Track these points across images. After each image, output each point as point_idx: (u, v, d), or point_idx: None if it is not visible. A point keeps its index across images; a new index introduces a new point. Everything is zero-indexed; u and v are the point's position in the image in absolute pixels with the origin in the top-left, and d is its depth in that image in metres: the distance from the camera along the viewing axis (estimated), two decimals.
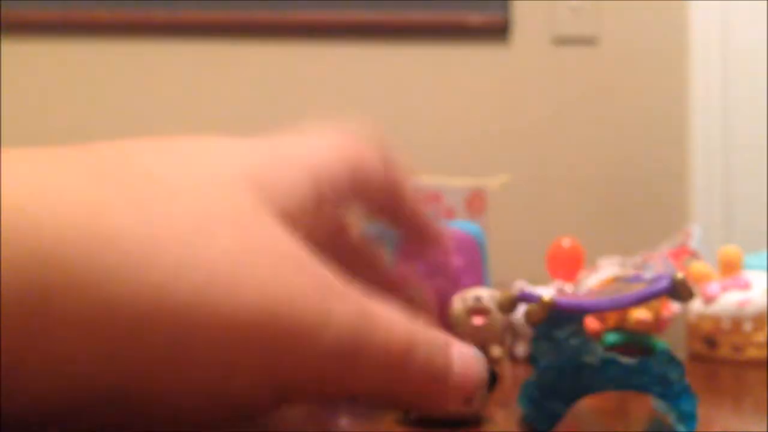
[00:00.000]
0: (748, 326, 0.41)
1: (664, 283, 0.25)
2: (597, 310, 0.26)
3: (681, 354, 0.43)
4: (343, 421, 0.30)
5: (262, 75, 1.47)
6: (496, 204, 0.72)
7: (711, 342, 0.42)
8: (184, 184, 0.18)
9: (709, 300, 0.42)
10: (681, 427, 0.24)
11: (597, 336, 0.42)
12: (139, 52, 1.47)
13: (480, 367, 0.22)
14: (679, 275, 0.26)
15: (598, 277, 0.51)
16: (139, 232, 0.16)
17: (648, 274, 0.39)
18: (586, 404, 0.32)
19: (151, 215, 0.17)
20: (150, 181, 0.18)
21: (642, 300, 0.26)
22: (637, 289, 0.26)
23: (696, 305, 0.43)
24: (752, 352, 0.41)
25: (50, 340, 0.15)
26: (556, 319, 0.24)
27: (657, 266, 0.64)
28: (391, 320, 0.20)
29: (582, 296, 0.27)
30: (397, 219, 0.29)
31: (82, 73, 1.46)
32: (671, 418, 0.24)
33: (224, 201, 0.18)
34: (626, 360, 0.24)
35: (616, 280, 0.31)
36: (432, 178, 0.67)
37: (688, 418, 0.24)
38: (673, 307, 0.43)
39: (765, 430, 0.28)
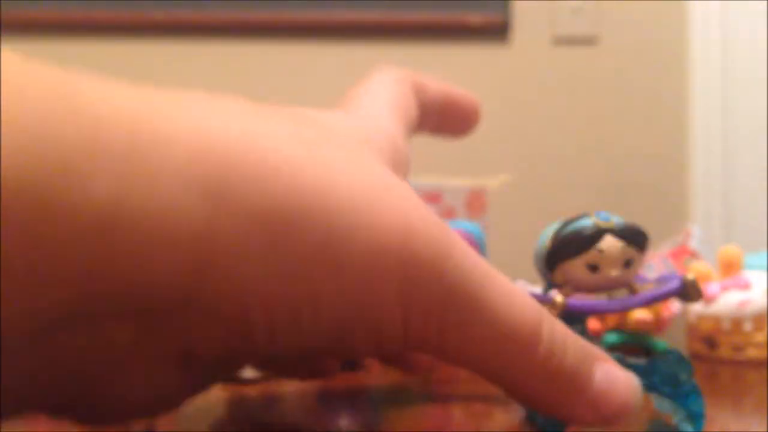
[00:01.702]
0: (748, 326, 0.41)
1: (674, 284, 0.25)
2: (608, 311, 0.26)
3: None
4: (345, 420, 0.30)
5: (262, 75, 1.47)
6: (496, 204, 0.72)
7: (711, 342, 0.42)
8: (332, 131, 0.21)
9: (709, 300, 0.42)
10: (689, 427, 0.23)
11: (597, 336, 0.42)
12: (139, 52, 1.47)
13: (629, 394, 0.21)
14: (690, 276, 0.26)
15: None
16: (309, 156, 0.18)
17: (650, 274, 0.39)
18: None
19: (322, 151, 0.19)
20: (322, 128, 0.21)
21: (653, 301, 0.26)
22: (646, 289, 0.26)
23: (696, 305, 0.43)
24: (752, 352, 0.41)
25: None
26: (565, 320, 0.24)
27: (657, 266, 0.64)
28: (517, 292, 0.20)
29: (589, 298, 0.27)
30: (446, 113, 0.31)
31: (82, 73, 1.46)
32: (677, 418, 0.24)
33: (357, 147, 0.21)
34: (634, 360, 0.24)
35: None
36: (432, 178, 0.67)
37: (697, 418, 0.24)
38: (674, 307, 0.43)
39: (765, 430, 0.28)
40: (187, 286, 0.17)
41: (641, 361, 0.24)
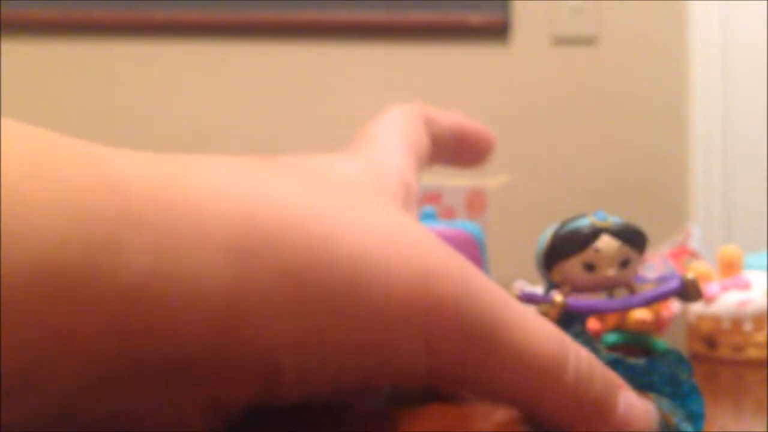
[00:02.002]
0: (748, 326, 0.41)
1: (674, 284, 0.25)
2: (608, 311, 0.26)
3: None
4: (344, 421, 0.30)
5: (262, 75, 1.47)
6: (496, 204, 0.72)
7: (711, 342, 0.42)
8: (342, 181, 0.21)
9: (709, 300, 0.42)
10: (688, 427, 0.23)
11: (597, 336, 0.42)
12: (139, 52, 1.47)
13: (649, 422, 0.21)
14: (690, 275, 0.26)
15: None
16: (317, 206, 0.19)
17: (650, 274, 0.39)
18: None
19: (337, 203, 0.20)
20: (333, 180, 0.21)
21: (653, 300, 0.26)
22: (646, 289, 0.26)
23: (696, 305, 0.43)
24: (752, 352, 0.40)
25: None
26: (564, 320, 0.24)
27: (657, 266, 0.64)
28: (539, 321, 0.21)
29: (589, 297, 0.27)
30: (459, 146, 0.31)
31: (82, 73, 1.46)
32: (677, 418, 0.24)
33: (370, 194, 0.22)
34: (633, 360, 0.24)
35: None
36: (432, 178, 0.67)
37: (697, 418, 0.24)
38: (674, 306, 0.43)
39: (765, 430, 0.28)
40: (218, 342, 0.17)
41: (641, 360, 0.24)
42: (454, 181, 0.66)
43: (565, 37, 1.51)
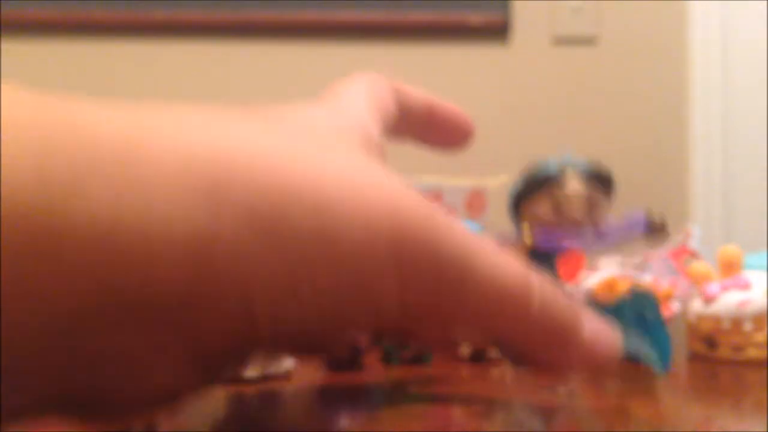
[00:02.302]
0: (748, 326, 0.41)
1: (639, 219, 0.26)
2: (574, 248, 0.26)
3: (681, 354, 0.43)
4: (344, 421, 0.30)
5: (262, 75, 1.47)
6: (496, 204, 0.72)
7: (711, 342, 0.42)
8: (309, 126, 0.22)
9: (709, 300, 0.42)
10: (657, 364, 0.23)
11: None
12: (139, 52, 1.47)
13: (613, 343, 0.23)
14: (652, 212, 0.26)
15: (599, 277, 0.51)
16: (286, 148, 0.20)
17: (650, 274, 0.39)
18: (586, 404, 0.32)
19: (305, 146, 0.20)
20: (301, 125, 0.22)
21: (620, 239, 0.26)
22: (615, 228, 0.26)
23: (696, 305, 0.43)
24: (752, 352, 0.41)
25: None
26: (534, 260, 0.24)
27: (657, 266, 0.64)
28: (505, 254, 0.21)
29: (560, 236, 0.27)
30: (431, 124, 0.32)
31: (82, 73, 1.46)
32: (646, 358, 0.24)
33: (336, 138, 0.22)
34: (603, 302, 0.24)
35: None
36: (432, 178, 0.67)
37: (665, 355, 0.24)
38: (674, 306, 0.43)
39: (765, 430, 0.28)
40: (190, 286, 0.17)
41: (609, 303, 0.24)
42: (454, 181, 0.66)
43: (565, 37, 1.51)
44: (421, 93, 0.31)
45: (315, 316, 0.19)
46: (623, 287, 0.42)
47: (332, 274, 0.19)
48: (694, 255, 0.60)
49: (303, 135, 0.21)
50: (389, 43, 1.49)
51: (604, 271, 0.55)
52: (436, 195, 0.66)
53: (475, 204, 0.68)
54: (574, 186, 0.26)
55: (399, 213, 0.19)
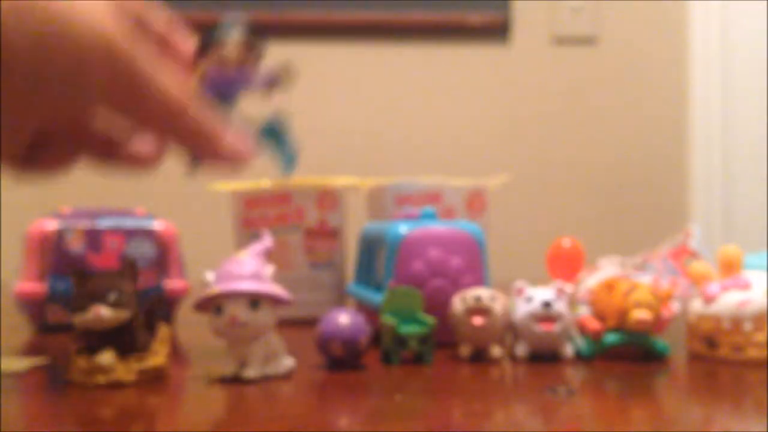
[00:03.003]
0: (748, 326, 0.41)
1: (273, 73, 0.38)
2: (238, 84, 0.38)
3: (681, 354, 0.43)
4: (344, 420, 0.30)
5: None
6: (496, 204, 0.72)
7: (711, 342, 0.42)
8: None
9: (709, 300, 0.42)
10: (284, 167, 0.37)
11: (597, 336, 0.42)
12: None
13: (249, 142, 0.35)
14: (279, 64, 0.39)
15: (599, 277, 0.51)
16: None
17: (650, 274, 0.39)
18: (586, 404, 0.32)
19: None
20: None
21: (260, 84, 0.38)
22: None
23: (696, 305, 0.43)
24: (752, 352, 0.41)
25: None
26: (211, 93, 0.38)
27: (657, 266, 0.64)
28: (171, 78, 0.33)
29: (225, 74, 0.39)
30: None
31: None
32: (279, 162, 0.36)
33: None
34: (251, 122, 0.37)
35: None
36: (432, 178, 0.67)
37: (288, 161, 0.37)
38: (673, 307, 0.43)
39: (765, 430, 0.28)
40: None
41: (255, 125, 0.37)
42: (454, 181, 0.67)
43: (564, 37, 1.51)
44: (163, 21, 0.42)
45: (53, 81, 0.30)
46: (623, 287, 0.42)
47: (69, 66, 0.30)
48: (694, 255, 0.60)
49: None
50: (389, 43, 1.49)
51: (604, 272, 0.55)
52: (436, 195, 0.66)
53: (475, 204, 0.68)
54: (233, 37, 0.40)
55: (112, 37, 0.31)
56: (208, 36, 0.40)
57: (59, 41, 0.30)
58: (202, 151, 0.35)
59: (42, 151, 0.36)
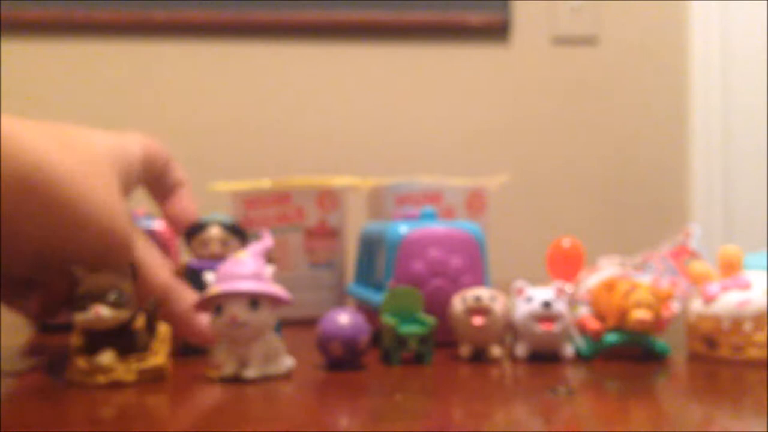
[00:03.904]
0: (748, 326, 0.41)
1: None
2: (205, 267, 0.42)
3: (681, 354, 0.43)
4: (344, 420, 0.30)
5: (262, 75, 1.47)
6: (496, 204, 0.72)
7: (711, 342, 0.42)
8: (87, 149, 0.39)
9: (709, 300, 0.42)
10: None
11: (597, 336, 0.42)
12: (139, 52, 1.47)
13: (207, 335, 0.41)
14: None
15: (599, 277, 0.51)
16: (45, 150, 0.36)
17: (649, 273, 0.39)
18: (586, 404, 0.32)
19: (67, 152, 0.37)
20: (66, 140, 0.38)
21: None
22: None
23: (696, 305, 0.43)
24: (752, 352, 0.41)
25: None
26: (189, 275, 0.45)
27: (657, 266, 0.64)
28: (163, 269, 0.41)
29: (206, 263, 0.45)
30: (164, 186, 0.47)
31: (82, 73, 1.46)
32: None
33: (93, 156, 0.39)
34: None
35: None
36: (432, 178, 0.67)
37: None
38: (673, 307, 0.43)
39: (765, 430, 0.28)
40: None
41: None
42: (454, 181, 0.66)
43: (564, 37, 1.51)
44: (181, 173, 0.47)
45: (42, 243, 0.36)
46: (623, 287, 0.42)
47: (70, 237, 0.36)
48: (694, 255, 0.60)
49: (82, 153, 0.38)
50: (389, 43, 1.49)
51: (604, 272, 0.55)
52: (436, 195, 0.66)
53: (475, 204, 0.68)
54: (214, 231, 0.45)
55: (118, 231, 0.37)
56: (195, 225, 0.45)
57: (71, 233, 0.36)
58: (176, 330, 0.40)
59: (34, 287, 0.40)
